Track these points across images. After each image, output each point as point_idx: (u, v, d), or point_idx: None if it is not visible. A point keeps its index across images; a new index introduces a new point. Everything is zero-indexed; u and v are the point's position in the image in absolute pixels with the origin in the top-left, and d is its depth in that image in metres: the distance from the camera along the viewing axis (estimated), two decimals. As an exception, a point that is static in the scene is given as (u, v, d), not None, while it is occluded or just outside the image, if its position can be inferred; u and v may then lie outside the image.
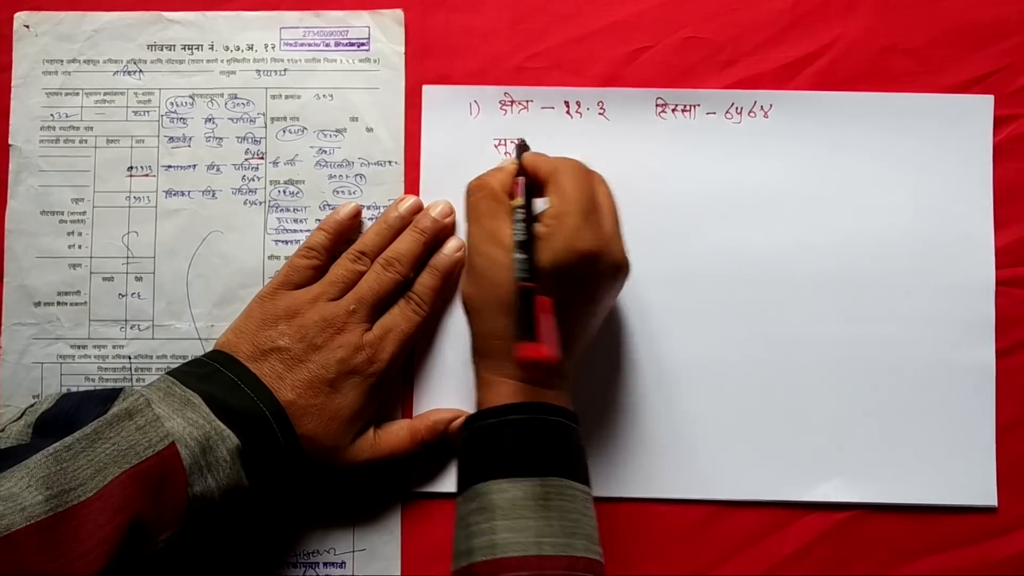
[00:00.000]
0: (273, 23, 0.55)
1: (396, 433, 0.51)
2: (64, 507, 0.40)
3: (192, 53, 0.55)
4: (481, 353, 0.48)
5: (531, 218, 0.45)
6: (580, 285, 0.45)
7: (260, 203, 0.55)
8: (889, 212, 0.54)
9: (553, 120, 0.54)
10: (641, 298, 0.54)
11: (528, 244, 0.44)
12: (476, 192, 0.48)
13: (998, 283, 0.53)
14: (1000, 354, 0.53)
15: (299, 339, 0.49)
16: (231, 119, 0.55)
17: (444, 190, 0.54)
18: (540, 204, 0.46)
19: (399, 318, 0.51)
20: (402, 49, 0.55)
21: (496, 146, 0.55)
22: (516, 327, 0.42)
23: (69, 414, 0.48)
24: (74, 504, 0.40)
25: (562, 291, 0.44)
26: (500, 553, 0.42)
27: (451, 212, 0.54)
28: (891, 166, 0.54)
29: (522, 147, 0.50)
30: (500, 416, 0.45)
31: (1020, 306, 0.54)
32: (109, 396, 0.48)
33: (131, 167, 0.55)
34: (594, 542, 0.44)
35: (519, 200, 0.46)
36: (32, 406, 0.49)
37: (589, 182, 0.46)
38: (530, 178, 0.47)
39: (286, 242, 0.54)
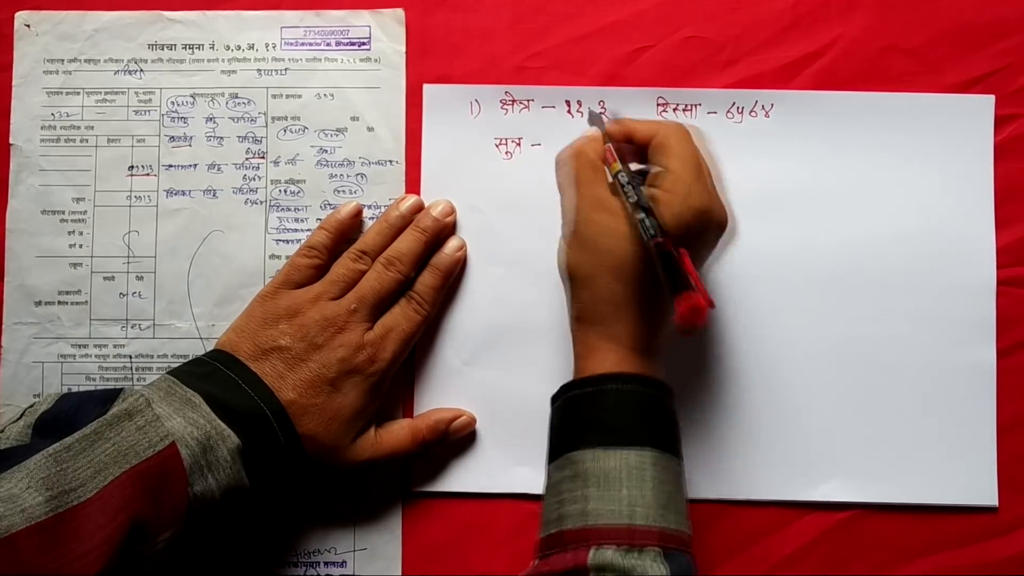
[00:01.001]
0: (274, 22, 0.55)
1: (397, 432, 0.51)
2: (64, 508, 0.40)
3: (193, 52, 0.55)
4: (589, 320, 0.46)
5: (637, 179, 0.45)
6: (693, 243, 0.45)
7: (261, 202, 0.55)
8: (890, 212, 0.54)
9: (554, 119, 0.54)
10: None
11: (646, 203, 0.44)
12: (576, 159, 0.47)
13: (999, 283, 0.54)
14: (1001, 354, 0.53)
15: (300, 338, 0.49)
16: (232, 118, 0.55)
17: (445, 189, 0.54)
18: (636, 169, 0.46)
19: (400, 317, 0.51)
20: (403, 48, 0.55)
21: (497, 145, 0.55)
22: (667, 284, 0.42)
23: (69, 415, 0.48)
24: (74, 505, 0.40)
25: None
26: (592, 521, 0.42)
27: (452, 211, 0.54)
28: (892, 166, 0.54)
29: (595, 115, 0.50)
30: (597, 385, 0.45)
31: (1021, 306, 0.54)
32: (109, 396, 0.48)
33: (132, 166, 0.55)
34: (685, 516, 0.44)
35: (617, 165, 0.46)
36: (32, 407, 0.50)
37: (693, 143, 0.46)
38: (618, 144, 0.47)
39: (287, 241, 0.54)
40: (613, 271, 0.45)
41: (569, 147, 0.48)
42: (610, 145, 0.47)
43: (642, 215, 0.43)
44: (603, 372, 0.45)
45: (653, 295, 0.44)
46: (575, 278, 0.47)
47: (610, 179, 0.46)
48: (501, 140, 0.55)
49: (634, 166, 0.47)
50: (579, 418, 0.45)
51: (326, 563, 0.53)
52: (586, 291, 0.46)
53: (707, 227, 0.45)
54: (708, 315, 0.40)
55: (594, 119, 0.50)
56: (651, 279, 0.44)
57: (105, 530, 0.40)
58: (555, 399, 0.47)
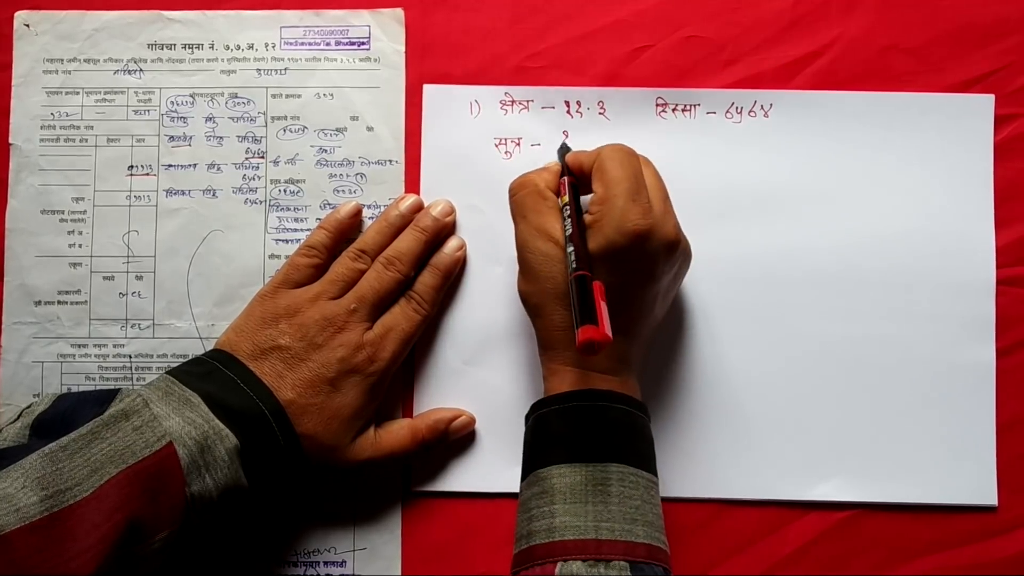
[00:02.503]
0: (273, 22, 0.55)
1: (397, 432, 0.51)
2: (59, 507, 0.40)
3: (192, 52, 0.55)
4: (545, 346, 0.47)
5: (579, 211, 0.46)
6: (635, 266, 0.45)
7: (260, 202, 0.55)
8: (889, 211, 0.54)
9: (553, 120, 0.54)
10: (641, 297, 0.54)
11: (577, 235, 0.44)
12: (520, 190, 0.48)
13: (998, 282, 0.53)
14: (1000, 353, 0.53)
15: (300, 338, 0.49)
16: (231, 118, 0.55)
17: (445, 189, 0.54)
18: (588, 199, 0.47)
19: (400, 317, 0.51)
20: (402, 48, 0.55)
21: (496, 145, 0.55)
22: (574, 314, 0.42)
23: (66, 415, 0.48)
24: (69, 504, 0.40)
25: (617, 275, 0.44)
26: (558, 536, 0.42)
27: (451, 211, 0.54)
28: (892, 165, 0.54)
29: (564, 149, 0.51)
30: (562, 403, 0.45)
31: (1020, 305, 0.54)
32: (106, 397, 0.48)
33: (131, 166, 0.55)
34: (657, 530, 0.44)
35: (565, 198, 0.46)
36: (29, 407, 0.49)
37: (633, 163, 0.46)
38: (575, 177, 0.48)
39: (287, 241, 0.54)
40: (559, 299, 0.45)
41: (520, 176, 0.49)
42: (566, 179, 0.47)
43: (569, 248, 0.44)
44: (566, 390, 0.46)
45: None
46: (527, 306, 0.48)
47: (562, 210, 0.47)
48: (501, 140, 0.55)
49: (586, 197, 0.48)
50: (547, 435, 0.45)
51: (326, 563, 0.53)
52: (539, 319, 0.47)
53: (646, 248, 0.45)
54: (598, 346, 0.41)
55: (561, 152, 0.50)
56: None
57: (101, 529, 0.40)
58: (527, 418, 0.48)
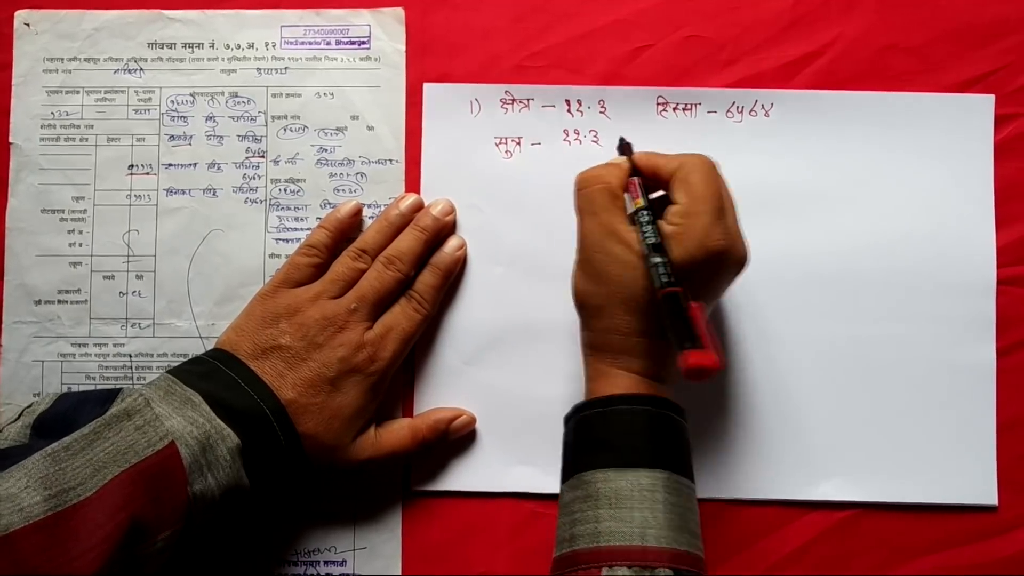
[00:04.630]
0: (274, 21, 0.55)
1: (397, 432, 0.51)
2: (63, 507, 0.40)
3: (193, 51, 0.55)
4: (598, 347, 0.46)
5: (655, 215, 0.44)
6: (707, 281, 0.45)
7: (261, 201, 0.55)
8: (890, 211, 0.54)
9: (554, 118, 0.54)
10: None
11: (662, 246, 0.43)
12: (591, 184, 0.46)
13: (999, 282, 0.54)
14: (1001, 353, 0.53)
15: (300, 337, 0.49)
16: (232, 117, 0.55)
17: (445, 188, 0.54)
18: (654, 196, 0.46)
19: (400, 316, 0.51)
20: (403, 47, 0.55)
21: (497, 144, 0.55)
22: (673, 336, 0.41)
23: (67, 415, 0.48)
24: (73, 503, 0.40)
25: (690, 288, 0.43)
26: (603, 542, 0.42)
27: (452, 210, 0.54)
28: (892, 165, 0.54)
29: (626, 146, 0.48)
30: (608, 406, 0.45)
31: (1021, 305, 0.54)
32: (107, 397, 0.48)
33: (132, 165, 0.55)
34: (697, 538, 0.43)
35: (640, 201, 0.45)
36: (30, 407, 0.50)
37: (718, 178, 0.45)
38: (644, 177, 0.46)
39: (287, 240, 0.54)
40: (624, 302, 0.45)
41: (589, 170, 0.47)
42: (638, 179, 0.46)
43: (656, 259, 0.43)
44: (614, 393, 0.45)
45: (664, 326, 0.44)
46: (585, 307, 0.46)
47: (630, 210, 0.45)
48: (501, 139, 0.55)
49: (653, 193, 0.46)
50: (591, 438, 0.45)
51: (326, 562, 0.53)
52: (597, 320, 0.46)
53: (723, 267, 0.45)
54: (708, 373, 0.39)
55: (623, 149, 0.48)
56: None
57: (104, 529, 0.40)
58: (568, 419, 0.47)
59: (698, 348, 0.40)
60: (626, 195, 0.46)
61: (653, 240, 0.43)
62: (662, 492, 0.42)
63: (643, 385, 0.45)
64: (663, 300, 0.42)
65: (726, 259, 0.44)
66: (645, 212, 0.44)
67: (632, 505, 0.42)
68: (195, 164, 0.55)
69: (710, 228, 0.43)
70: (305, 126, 0.55)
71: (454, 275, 0.53)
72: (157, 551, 0.43)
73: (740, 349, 0.54)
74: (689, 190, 0.44)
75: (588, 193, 0.46)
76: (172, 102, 0.55)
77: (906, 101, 0.54)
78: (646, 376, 0.45)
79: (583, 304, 0.46)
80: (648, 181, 0.46)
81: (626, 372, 0.45)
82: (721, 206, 0.44)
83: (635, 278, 0.44)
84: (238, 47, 0.55)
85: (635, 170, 0.46)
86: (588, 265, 0.46)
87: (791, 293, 0.54)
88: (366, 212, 0.54)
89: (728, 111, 0.54)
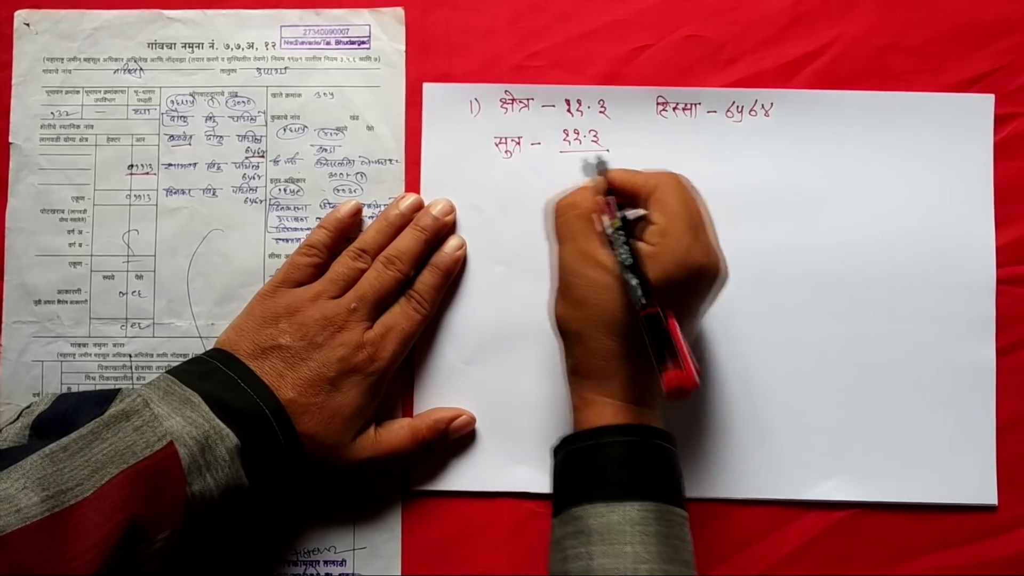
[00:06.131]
0: (273, 21, 0.55)
1: (397, 432, 0.51)
2: (61, 507, 0.40)
3: (192, 51, 0.55)
4: (581, 374, 0.46)
5: (629, 235, 0.45)
6: (685, 299, 0.45)
7: (261, 201, 0.55)
8: (890, 211, 0.54)
9: (554, 118, 0.54)
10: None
11: (637, 266, 0.43)
12: (567, 211, 0.46)
13: (999, 282, 0.53)
14: (1000, 352, 0.53)
15: (300, 337, 0.49)
16: (232, 117, 0.55)
17: (445, 188, 0.54)
18: (632, 216, 0.46)
19: (400, 316, 0.51)
20: (403, 47, 0.55)
21: (497, 144, 0.55)
22: (654, 354, 0.41)
23: (66, 415, 0.48)
24: (71, 504, 0.40)
25: (669, 306, 0.43)
26: None
27: (452, 210, 0.54)
28: (892, 165, 0.54)
29: (602, 165, 0.48)
30: (597, 438, 0.44)
31: (1021, 305, 0.54)
32: (106, 397, 0.48)
33: (131, 165, 0.55)
34: (690, 567, 0.43)
35: (616, 221, 0.45)
36: (29, 407, 0.50)
37: (691, 196, 0.46)
38: (621, 195, 0.46)
39: (287, 240, 0.54)
40: (604, 326, 0.44)
41: (565, 197, 0.47)
42: (612, 199, 0.46)
43: (633, 280, 0.43)
44: (602, 425, 0.45)
45: (646, 348, 0.43)
46: (566, 333, 0.46)
47: (605, 230, 0.45)
48: (501, 139, 0.55)
49: (630, 212, 0.46)
50: (580, 472, 0.45)
51: (326, 562, 0.53)
52: (578, 346, 0.46)
53: (701, 284, 0.45)
54: (685, 392, 0.40)
55: (590, 169, 0.48)
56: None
57: (102, 529, 0.40)
58: (556, 451, 0.47)
59: (678, 367, 0.40)
60: (603, 216, 0.46)
61: (629, 260, 0.43)
62: (653, 524, 0.42)
63: (629, 414, 0.45)
64: (643, 319, 0.42)
65: (704, 275, 0.44)
66: (620, 232, 0.44)
67: (624, 540, 0.42)
68: (195, 164, 0.55)
69: (688, 246, 0.44)
70: (305, 126, 0.55)
71: (454, 275, 0.53)
72: (156, 551, 0.43)
73: (740, 348, 0.54)
74: (664, 209, 0.45)
75: (565, 221, 0.47)
76: (172, 102, 0.55)
77: (906, 101, 0.54)
78: (631, 402, 0.45)
79: (563, 330, 0.46)
80: (626, 199, 0.46)
81: (611, 400, 0.45)
82: (697, 224, 0.45)
83: (612, 299, 0.44)
84: (238, 47, 0.55)
85: (611, 189, 0.46)
86: (567, 290, 0.46)
87: (791, 292, 0.54)
88: (366, 212, 0.54)
89: (728, 111, 0.54)
